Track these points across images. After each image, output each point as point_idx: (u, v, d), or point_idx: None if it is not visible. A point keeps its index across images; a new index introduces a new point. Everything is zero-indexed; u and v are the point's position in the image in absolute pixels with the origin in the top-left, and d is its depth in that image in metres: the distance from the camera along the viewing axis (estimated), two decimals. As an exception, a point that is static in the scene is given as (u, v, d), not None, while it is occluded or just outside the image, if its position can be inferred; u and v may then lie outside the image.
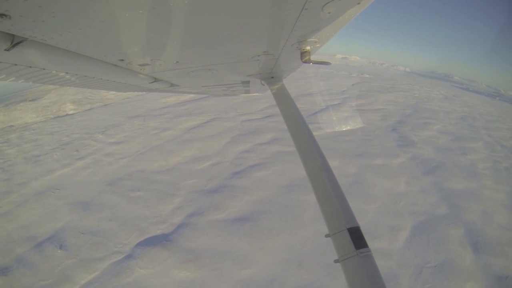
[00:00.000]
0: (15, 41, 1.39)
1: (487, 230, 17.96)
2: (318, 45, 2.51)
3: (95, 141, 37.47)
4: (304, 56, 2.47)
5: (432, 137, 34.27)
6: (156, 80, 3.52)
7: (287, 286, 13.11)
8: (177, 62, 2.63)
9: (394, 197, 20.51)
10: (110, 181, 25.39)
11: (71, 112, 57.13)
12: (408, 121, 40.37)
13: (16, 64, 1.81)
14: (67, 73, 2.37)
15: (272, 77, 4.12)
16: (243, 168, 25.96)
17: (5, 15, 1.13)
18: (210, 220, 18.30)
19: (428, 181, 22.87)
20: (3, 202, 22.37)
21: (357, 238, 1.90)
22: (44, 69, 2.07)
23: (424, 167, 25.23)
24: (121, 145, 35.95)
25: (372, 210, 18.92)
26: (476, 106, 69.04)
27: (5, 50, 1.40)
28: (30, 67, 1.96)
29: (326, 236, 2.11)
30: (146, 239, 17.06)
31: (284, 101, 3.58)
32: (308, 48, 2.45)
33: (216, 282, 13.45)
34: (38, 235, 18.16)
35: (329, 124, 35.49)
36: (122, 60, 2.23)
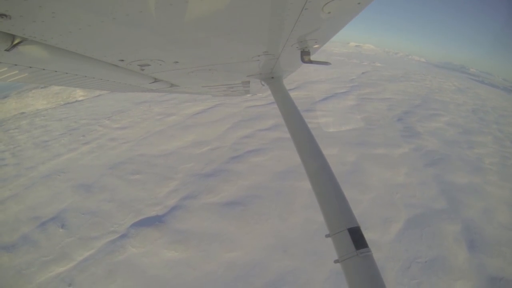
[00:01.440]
0: (15, 41, 1.40)
1: (486, 228, 17.34)
2: (318, 45, 2.51)
3: (101, 127, 38.93)
4: (304, 56, 2.49)
5: (439, 129, 33.21)
6: (156, 80, 3.54)
7: (269, 271, 13.65)
8: (177, 62, 2.64)
9: (391, 188, 20.23)
10: (112, 164, 26.61)
11: (81, 98, 59.09)
12: (415, 111, 39.34)
13: (16, 64, 1.83)
14: (67, 73, 2.40)
15: (272, 77, 4.13)
16: (241, 153, 26.38)
17: (5, 15, 1.14)
18: (202, 203, 19.02)
19: (429, 173, 22.33)
20: (12, 185, 24.19)
21: (357, 238, 1.89)
22: (44, 69, 2.09)
23: (427, 159, 24.60)
24: (125, 130, 37.22)
25: (366, 200, 18.85)
26: (489, 100, 65.27)
27: (5, 50, 1.41)
28: (30, 67, 1.98)
29: (326, 236, 2.08)
30: (140, 220, 18.06)
31: (284, 101, 3.60)
32: (308, 48, 2.46)
33: (201, 263, 14.22)
34: (43, 215, 19.63)
35: (332, 112, 35.05)
36: (122, 60, 2.25)
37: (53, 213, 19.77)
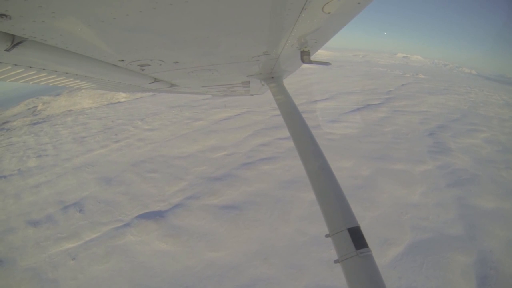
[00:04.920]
0: (15, 41, 1.49)
1: (506, 263, 15.45)
2: (318, 45, 2.62)
3: (133, 127, 44.31)
4: (304, 56, 2.60)
5: (474, 145, 30.69)
6: (156, 80, 3.71)
7: (243, 276, 14.82)
8: (177, 62, 2.75)
9: (401, 208, 19.60)
10: (134, 162, 30.52)
11: (123, 100, 67.30)
12: (451, 126, 37.05)
13: (16, 64, 1.91)
14: (67, 73, 2.49)
15: (272, 77, 4.30)
16: (254, 160, 28.11)
17: (5, 15, 1.21)
18: (202, 204, 21.10)
19: (450, 194, 21.04)
20: (48, 173, 29.57)
21: (357, 238, 1.97)
22: (44, 69, 2.18)
23: (452, 178, 23.21)
24: (154, 131, 41.86)
25: (369, 218, 18.79)
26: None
27: (5, 50, 1.49)
28: (30, 67, 2.06)
29: (326, 236, 2.14)
30: (144, 213, 20.80)
31: (284, 101, 3.71)
32: (308, 48, 2.57)
33: (184, 258, 16.14)
34: (67, 200, 23.78)
35: (358, 124, 34.97)
36: (122, 60, 2.35)
37: (75, 199, 23.80)
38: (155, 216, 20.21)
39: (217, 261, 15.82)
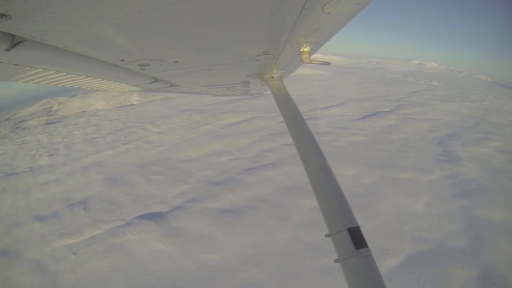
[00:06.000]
0: (15, 41, 1.51)
1: (511, 280, 15.06)
2: (318, 45, 2.67)
3: (143, 130, 45.81)
4: (304, 56, 2.64)
5: (485, 154, 29.95)
6: (156, 80, 3.78)
7: (234, 279, 15.26)
8: (177, 62, 2.80)
9: (403, 217, 19.47)
10: (140, 164, 31.65)
11: (135, 102, 69.52)
12: (462, 134, 36.47)
13: (16, 64, 1.96)
14: (67, 73, 2.53)
15: (272, 77, 4.38)
16: (257, 165, 28.63)
17: (5, 15, 1.22)
18: (202, 207, 21.75)
19: (456, 205, 20.72)
20: (58, 171, 31.17)
21: (357, 238, 1.99)
22: (44, 69, 2.23)
23: (459, 188, 22.84)
24: (162, 135, 43.15)
25: (368, 227, 18.74)
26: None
27: (5, 50, 1.51)
28: (30, 67, 2.12)
29: (326, 236, 2.16)
30: (145, 214, 21.64)
31: (284, 101, 3.75)
32: (308, 48, 2.61)
33: (179, 258, 16.77)
34: (73, 198, 25.01)
35: (365, 131, 34.97)
36: (122, 60, 2.40)
37: (81, 197, 24.99)
38: (155, 217, 20.99)
39: (210, 263, 16.34)
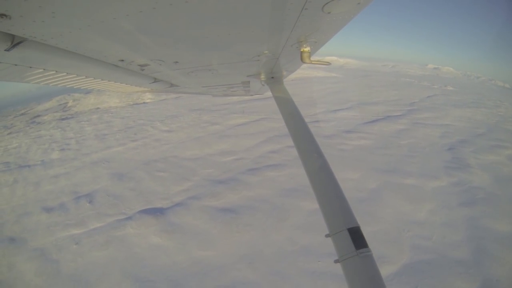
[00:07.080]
0: (15, 41, 1.52)
1: None
2: (318, 45, 2.71)
3: (152, 128, 47.13)
4: (304, 56, 2.66)
5: (496, 162, 29.07)
6: (156, 80, 3.82)
7: (225, 277, 15.69)
8: (177, 62, 2.83)
9: (404, 224, 19.28)
10: (147, 161, 32.71)
11: (148, 101, 71.45)
12: (474, 141, 35.59)
13: (16, 64, 1.99)
14: (67, 73, 2.58)
15: (272, 77, 4.41)
16: (260, 166, 29.07)
17: (5, 15, 1.24)
18: (202, 205, 22.36)
19: (461, 214, 20.28)
20: (68, 165, 32.71)
21: (357, 238, 2.01)
22: (44, 69, 2.28)
23: (466, 196, 22.36)
24: (171, 133, 44.29)
25: (366, 232, 18.43)
26: None
27: (5, 50, 1.53)
28: (30, 67, 2.15)
29: (326, 236, 2.17)
30: (147, 209, 22.45)
31: (284, 101, 3.82)
32: (308, 48, 2.64)
33: (175, 253, 17.41)
34: (80, 191, 26.22)
35: (373, 135, 34.74)
36: (122, 60, 2.46)
37: (88, 191, 26.16)
38: (156, 212, 21.76)
39: (204, 260, 16.86)
